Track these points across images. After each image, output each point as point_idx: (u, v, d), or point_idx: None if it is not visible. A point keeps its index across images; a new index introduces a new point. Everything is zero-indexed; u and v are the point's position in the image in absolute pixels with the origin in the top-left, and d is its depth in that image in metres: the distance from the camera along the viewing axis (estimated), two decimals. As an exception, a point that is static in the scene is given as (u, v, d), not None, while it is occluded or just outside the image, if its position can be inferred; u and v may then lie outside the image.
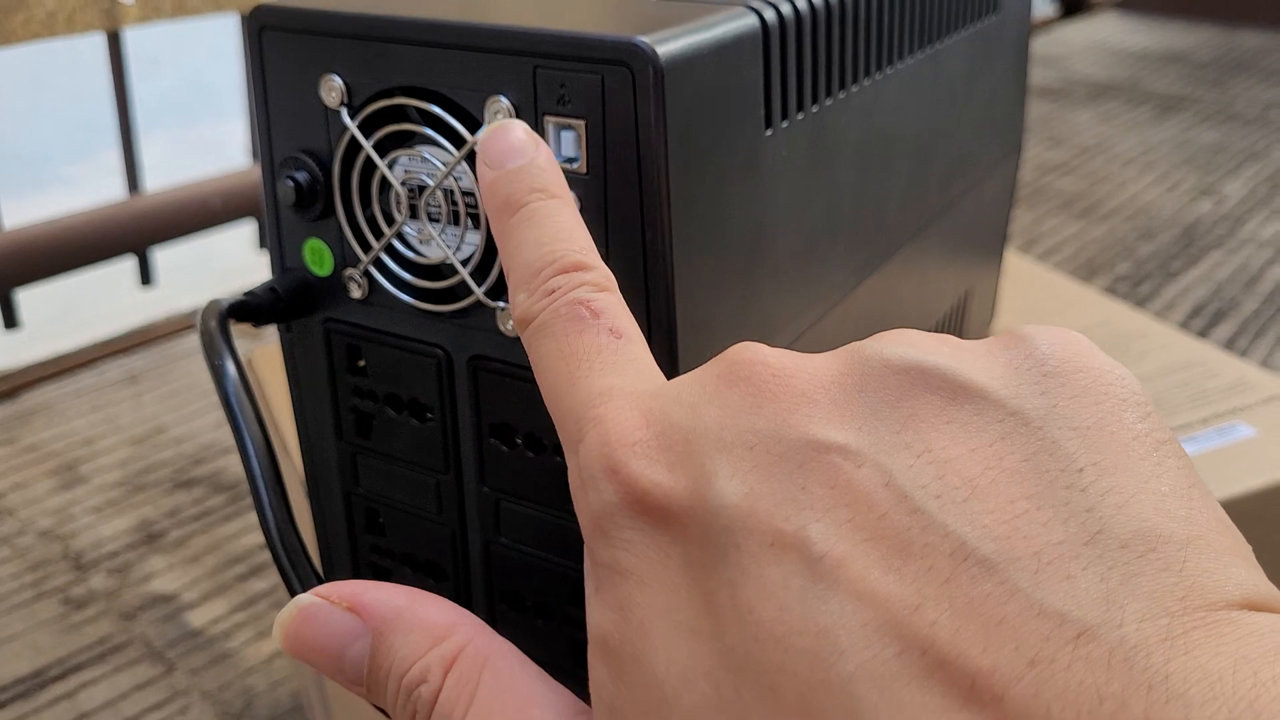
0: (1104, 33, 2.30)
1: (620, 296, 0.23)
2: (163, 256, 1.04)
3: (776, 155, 0.31)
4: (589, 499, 0.19)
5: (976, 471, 0.16)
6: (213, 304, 0.31)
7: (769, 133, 0.31)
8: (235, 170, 1.02)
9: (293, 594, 0.28)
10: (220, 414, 0.89)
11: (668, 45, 0.26)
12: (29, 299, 0.96)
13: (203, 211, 0.95)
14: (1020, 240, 1.27)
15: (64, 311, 1.02)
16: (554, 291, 0.22)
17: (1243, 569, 0.15)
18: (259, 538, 0.74)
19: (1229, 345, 1.04)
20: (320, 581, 0.28)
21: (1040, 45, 2.18)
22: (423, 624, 0.21)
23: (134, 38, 0.96)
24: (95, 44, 0.94)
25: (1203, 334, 1.06)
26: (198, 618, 0.67)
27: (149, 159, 1.03)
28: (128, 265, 1.00)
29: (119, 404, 0.89)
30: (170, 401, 0.90)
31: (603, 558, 0.18)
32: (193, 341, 0.99)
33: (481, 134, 0.26)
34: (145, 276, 1.00)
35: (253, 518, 0.77)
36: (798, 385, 0.18)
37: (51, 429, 0.86)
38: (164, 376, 0.93)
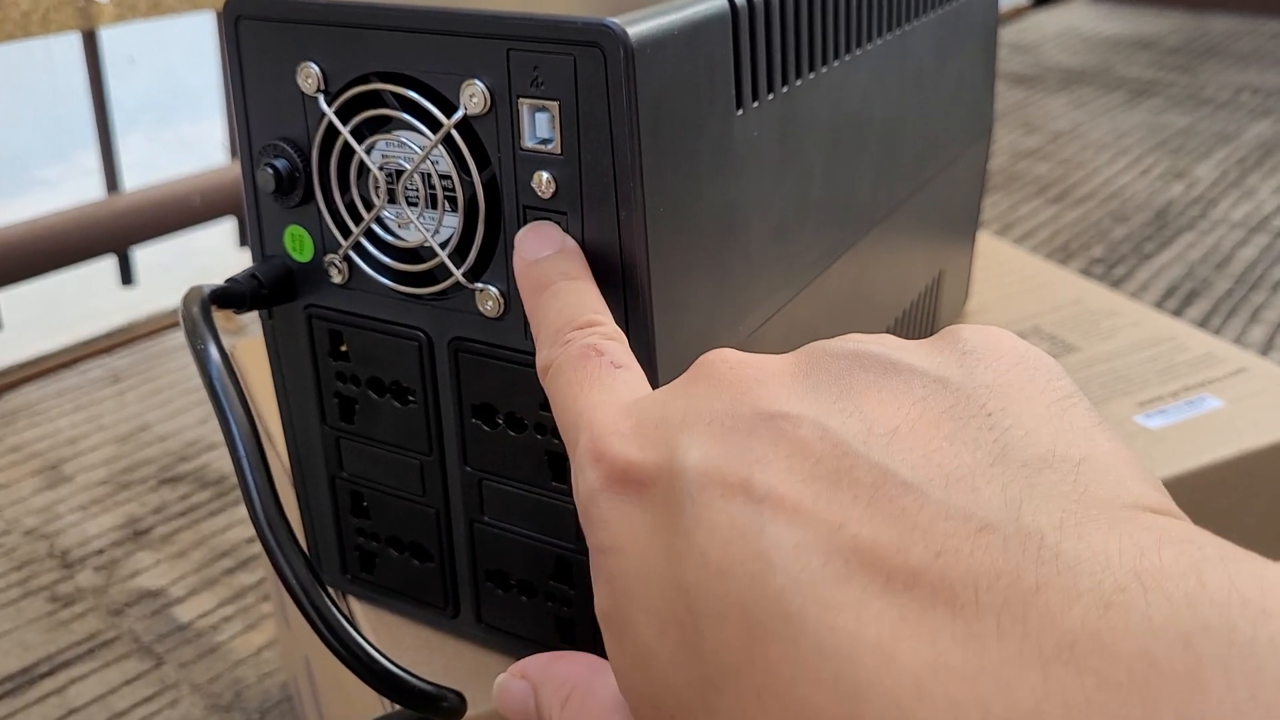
0: (1076, 20, 2.31)
1: (626, 344, 0.25)
2: (143, 255, 1.04)
3: (747, 136, 0.32)
4: (579, 488, 0.21)
5: (900, 420, 0.18)
6: (194, 290, 0.32)
7: (740, 113, 0.32)
8: (214, 168, 1.02)
9: (280, 574, 0.28)
10: (203, 410, 0.89)
11: (638, 26, 0.27)
12: (9, 300, 0.96)
13: (182, 209, 0.95)
14: (996, 225, 1.28)
15: (45, 312, 1.01)
16: (569, 341, 0.25)
17: (1140, 485, 0.17)
18: (245, 532, 0.74)
19: (1202, 325, 1.05)
20: (307, 564, 0.28)
21: (1013, 33, 2.19)
22: (553, 678, 0.24)
23: (110, 37, 0.96)
24: (71, 43, 0.94)
25: (1176, 314, 1.08)
26: (186, 612, 0.68)
27: (127, 159, 1.03)
28: (108, 264, 1.00)
29: (102, 403, 0.89)
30: (153, 399, 0.90)
31: (593, 540, 0.21)
32: (175, 340, 0.99)
33: (520, 233, 0.29)
34: (126, 276, 1.00)
35: (239, 512, 0.77)
36: (751, 374, 0.20)
37: (35, 429, 0.86)
38: (146, 375, 0.93)
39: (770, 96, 0.33)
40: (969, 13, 0.49)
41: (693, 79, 0.29)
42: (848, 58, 0.37)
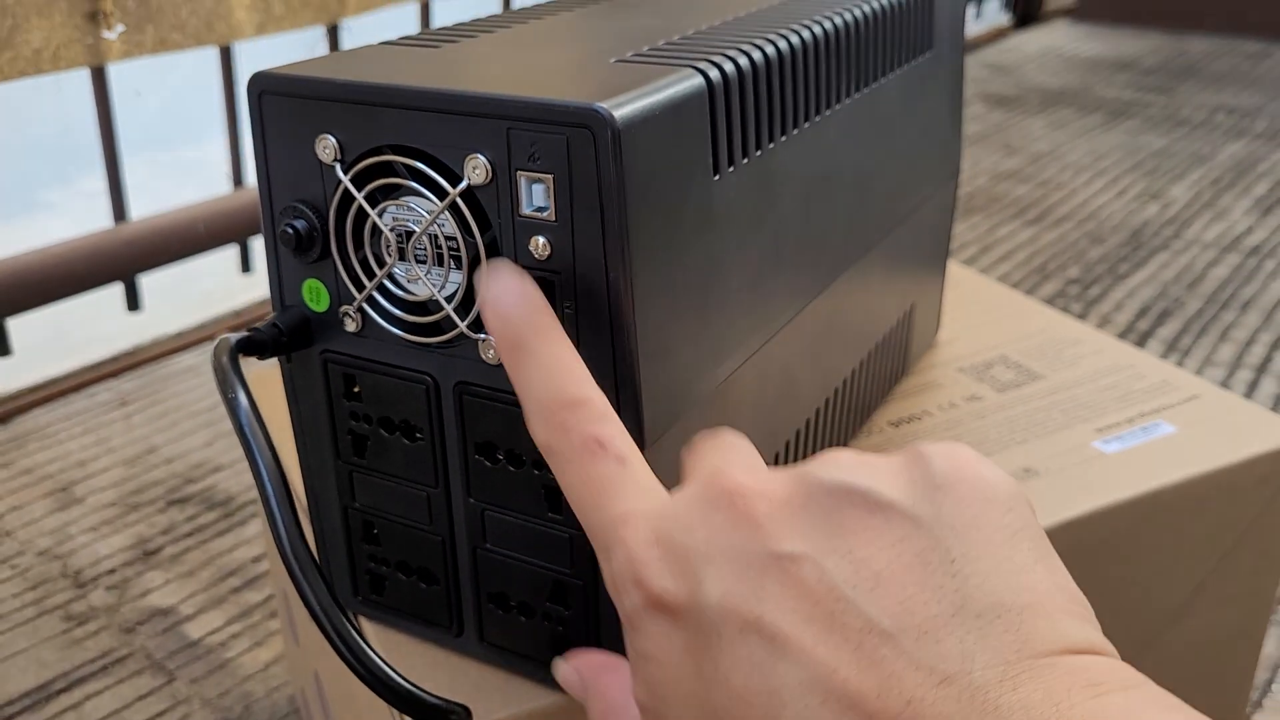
0: (1056, 40, 2.36)
1: (616, 417, 0.29)
2: (148, 280, 1.07)
3: (725, 198, 0.35)
4: (623, 601, 0.26)
5: (882, 566, 0.23)
6: (223, 341, 0.35)
7: (717, 178, 0.35)
8: (218, 196, 1.05)
9: (304, 599, 0.31)
10: (209, 433, 0.92)
11: (624, 109, 0.30)
12: (18, 326, 0.99)
13: (188, 237, 0.99)
14: (976, 247, 1.31)
15: (53, 337, 1.04)
16: (567, 429, 0.28)
17: (1070, 623, 0.22)
18: (250, 551, 0.77)
19: (1173, 344, 1.09)
20: (329, 590, 0.32)
21: (995, 54, 2.24)
22: (599, 691, 0.31)
23: (116, 70, 0.99)
24: (79, 75, 0.97)
25: (1148, 333, 1.11)
26: (196, 629, 0.70)
27: (130, 181, 1.06)
28: (115, 290, 1.03)
29: (110, 426, 0.92)
30: (160, 422, 0.93)
31: (635, 646, 0.26)
32: (180, 363, 1.02)
33: (480, 278, 0.31)
34: (133, 302, 1.03)
35: (245, 533, 0.80)
36: (763, 509, 0.24)
37: (45, 452, 0.89)
38: (153, 398, 0.96)
39: (745, 160, 0.36)
40: (936, 64, 0.52)
41: (673, 151, 0.33)
42: (817, 118, 0.41)
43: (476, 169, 0.32)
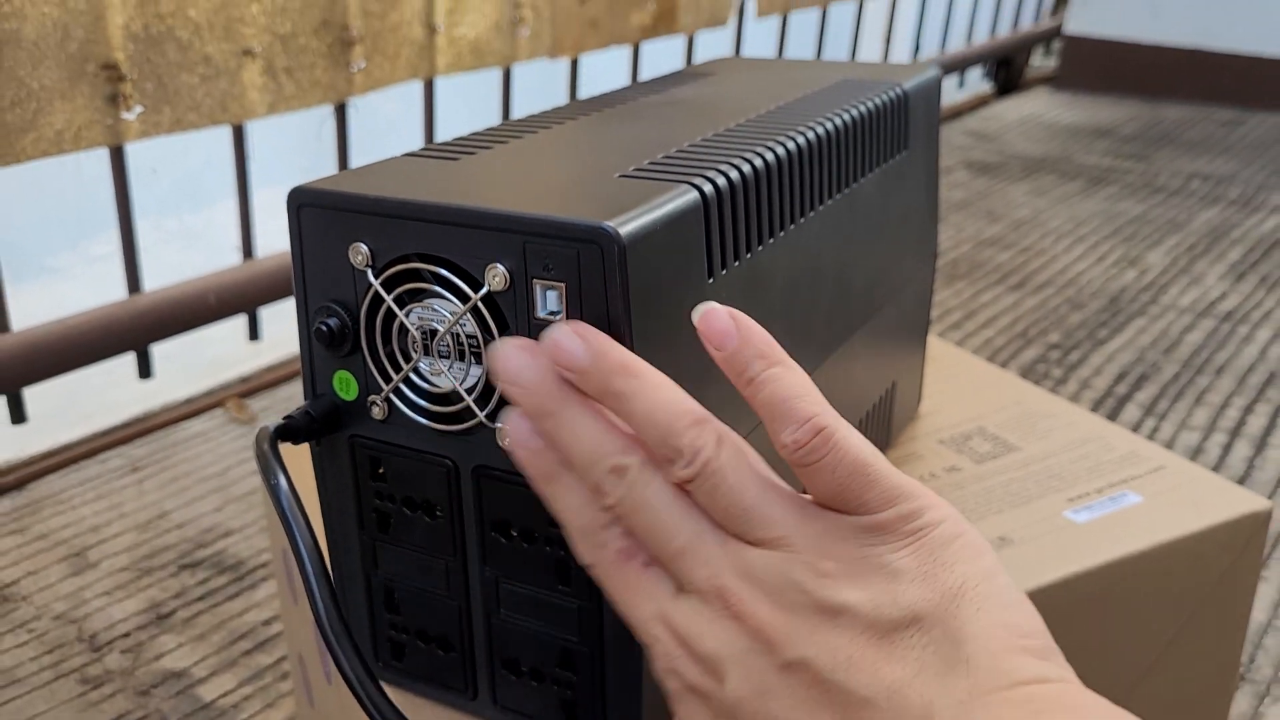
0: (1037, 108, 2.43)
1: (637, 508, 0.33)
2: (157, 347, 1.10)
3: (718, 298, 0.39)
4: (667, 683, 0.32)
5: (854, 650, 0.29)
6: (263, 430, 0.38)
7: (711, 281, 0.39)
8: (228, 268, 1.09)
9: (341, 671, 0.35)
10: (218, 498, 0.95)
11: (628, 226, 0.34)
12: (31, 392, 1.02)
13: (199, 308, 1.02)
14: (960, 313, 1.35)
15: (65, 404, 1.07)
16: (602, 546, 0.34)
17: (1018, 660, 0.27)
18: (260, 615, 0.80)
19: (1151, 408, 1.13)
20: (363, 661, 0.35)
21: (977, 121, 2.30)
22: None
23: (133, 148, 1.03)
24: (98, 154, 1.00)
25: (1127, 397, 1.15)
26: (208, 691, 0.73)
27: (143, 243, 1.10)
28: (127, 358, 1.06)
29: (122, 492, 0.95)
30: (170, 488, 0.96)
31: (679, 713, 0.32)
32: (190, 429, 1.05)
33: (492, 351, 0.35)
34: (144, 370, 1.06)
35: (255, 596, 0.82)
36: (765, 623, 0.30)
37: (59, 517, 0.92)
38: (163, 464, 0.99)
39: (736, 264, 0.40)
40: (912, 160, 0.56)
41: (672, 260, 0.36)
42: (802, 220, 0.45)
43: (496, 277, 0.35)
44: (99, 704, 0.72)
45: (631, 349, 0.34)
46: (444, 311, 0.37)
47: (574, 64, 1.46)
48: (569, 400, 0.33)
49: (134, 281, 1.03)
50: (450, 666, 0.42)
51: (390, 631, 0.43)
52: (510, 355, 0.34)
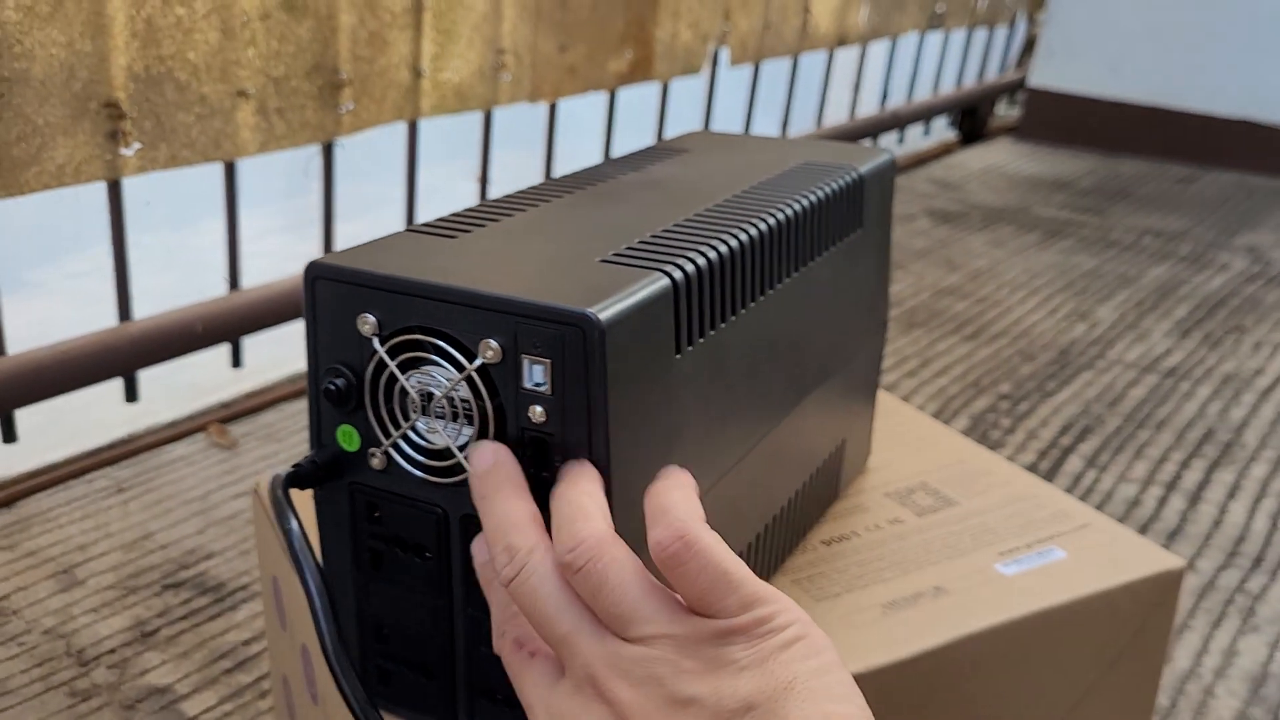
0: (1000, 158, 2.51)
1: (526, 592, 0.38)
2: (143, 371, 1.13)
3: (683, 372, 0.44)
4: None
5: None
6: (275, 477, 0.43)
7: (678, 356, 0.44)
8: (216, 298, 1.13)
9: (346, 699, 0.39)
10: (201, 521, 0.99)
11: (607, 312, 0.39)
12: (19, 412, 1.05)
13: (187, 335, 1.06)
14: (916, 361, 1.41)
15: (52, 423, 1.11)
16: (502, 635, 0.41)
17: None
18: (242, 635, 0.84)
19: (1093, 459, 1.19)
20: (364, 687, 0.40)
21: (941, 170, 2.37)
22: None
23: (129, 182, 1.07)
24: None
25: (1070, 449, 1.21)
26: (191, 707, 0.77)
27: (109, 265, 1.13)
28: (113, 381, 1.10)
29: (108, 512, 0.99)
30: (155, 509, 0.99)
31: None
32: (173, 453, 1.09)
33: (471, 458, 0.41)
34: (131, 394, 1.10)
35: (235, 617, 0.86)
36: (621, 707, 0.35)
37: (47, 535, 0.95)
38: (147, 485, 1.03)
39: (701, 340, 0.45)
40: (865, 238, 0.61)
41: (644, 339, 0.41)
42: (762, 298, 0.50)
43: (489, 350, 0.40)
44: (87, 716, 0.75)
45: (606, 418, 0.39)
46: (441, 378, 0.42)
47: (552, 108, 1.51)
48: (498, 492, 0.40)
49: (125, 308, 1.07)
50: (433, 693, 0.47)
51: (379, 660, 0.48)
52: (476, 450, 0.41)
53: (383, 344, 0.42)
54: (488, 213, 0.50)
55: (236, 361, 1.20)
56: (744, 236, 0.48)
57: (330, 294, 0.43)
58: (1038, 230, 1.97)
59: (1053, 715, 0.61)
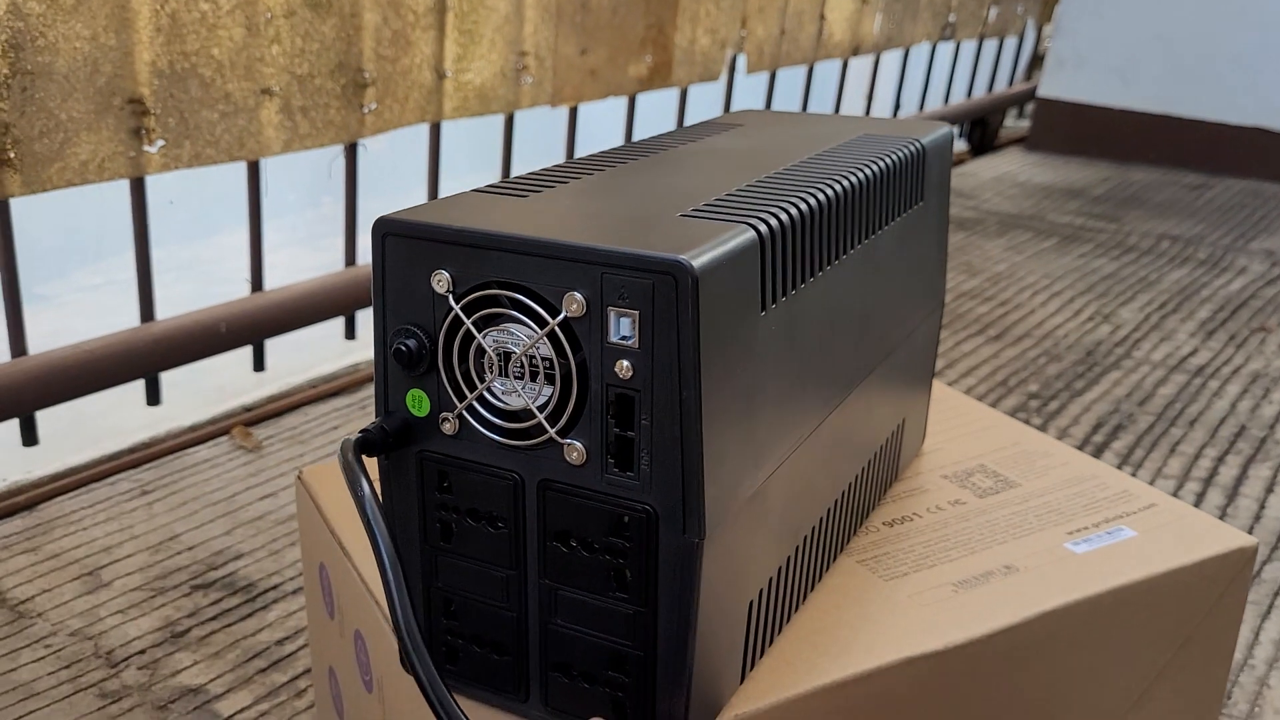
0: (1011, 168, 2.50)
1: None
2: (164, 374, 1.12)
3: (767, 330, 0.43)
4: None
5: None
6: (346, 442, 0.41)
7: (762, 314, 0.42)
8: (239, 298, 1.12)
9: (416, 674, 0.37)
10: (227, 522, 0.97)
11: (700, 259, 0.37)
12: (39, 415, 1.04)
13: (211, 337, 1.05)
14: (942, 362, 1.40)
15: (74, 427, 1.09)
16: None
17: None
18: (275, 634, 0.82)
19: (1127, 457, 1.17)
20: (434, 662, 0.38)
21: (955, 179, 2.37)
22: None
23: (153, 181, 1.06)
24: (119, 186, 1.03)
25: (1103, 446, 1.19)
26: (226, 707, 0.75)
27: (123, 275, 1.11)
28: (135, 383, 1.08)
29: (132, 514, 0.97)
30: (179, 511, 0.98)
31: None
32: (196, 455, 1.07)
33: None
34: (153, 397, 1.08)
35: (267, 617, 0.84)
36: None
37: (71, 538, 0.93)
38: (171, 488, 1.01)
39: (783, 298, 0.44)
40: (926, 212, 0.60)
41: (733, 292, 0.40)
42: (836, 263, 0.48)
43: (573, 303, 0.38)
44: (119, 717, 0.73)
45: (697, 371, 0.38)
46: (520, 335, 0.40)
47: (573, 112, 1.50)
48: None
49: (147, 309, 1.05)
50: (503, 670, 0.45)
51: (446, 637, 0.46)
52: None
53: (457, 301, 0.41)
54: (554, 176, 0.49)
55: (259, 364, 1.18)
56: (821, 196, 0.46)
57: (401, 251, 0.41)
58: (1054, 236, 1.96)
59: (1125, 696, 0.59)
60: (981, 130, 2.69)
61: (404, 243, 0.41)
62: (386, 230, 0.42)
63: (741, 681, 0.47)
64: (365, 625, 0.55)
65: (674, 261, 0.37)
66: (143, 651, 0.80)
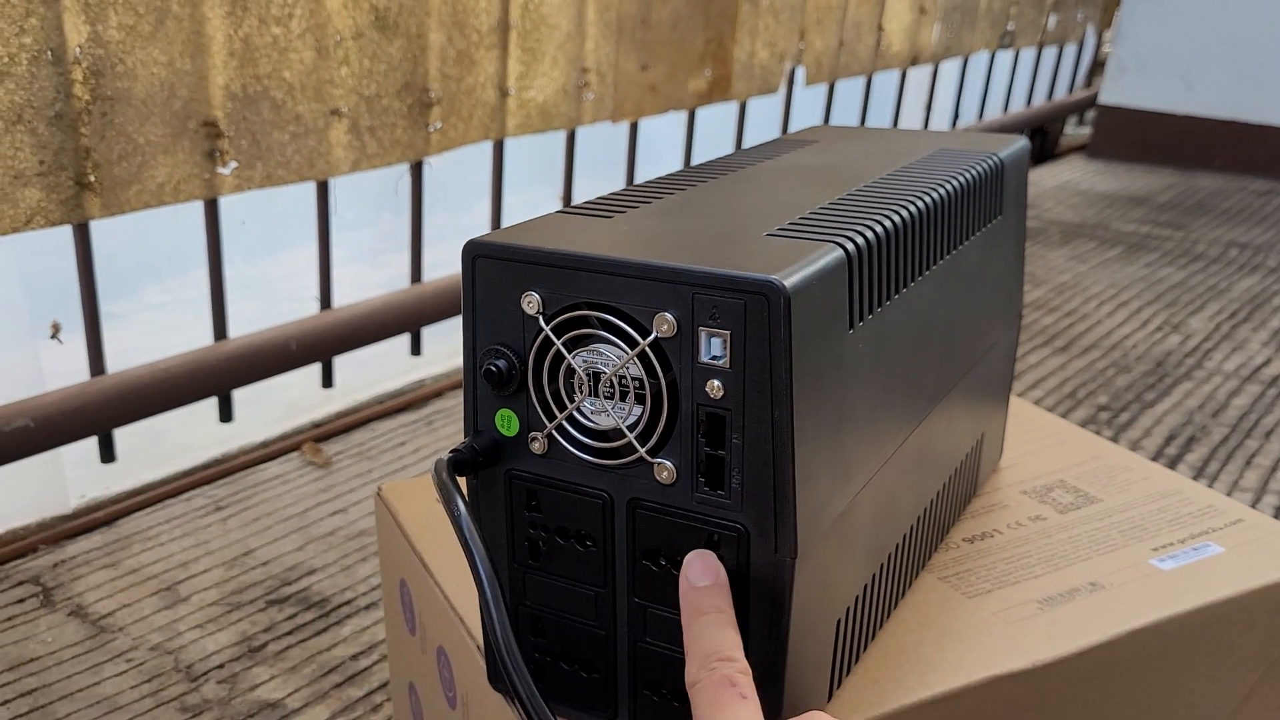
0: (1073, 176, 2.47)
1: (750, 677, 0.37)
2: (236, 391, 1.13)
3: (854, 348, 0.42)
4: None
5: None
6: (440, 461, 0.42)
7: (850, 332, 0.42)
8: (308, 316, 1.13)
9: (515, 692, 0.38)
10: (299, 538, 0.98)
11: (792, 279, 0.37)
12: (119, 433, 1.06)
13: (281, 354, 1.06)
14: (1008, 374, 1.38)
15: (148, 444, 1.11)
16: (713, 669, 0.37)
17: None
18: (350, 649, 0.83)
19: (1201, 469, 1.15)
20: (531, 678, 0.38)
21: (1016, 188, 2.34)
22: None
23: (226, 201, 1.08)
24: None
25: (1177, 458, 1.17)
26: (305, 722, 0.76)
27: (188, 294, 1.13)
28: (207, 401, 1.10)
29: (207, 530, 0.98)
30: (253, 527, 0.99)
31: None
32: (268, 471, 1.08)
33: (689, 556, 0.40)
34: (226, 414, 1.10)
35: (342, 632, 0.85)
36: None
37: (148, 553, 0.95)
38: (244, 504, 1.03)
39: (870, 316, 0.43)
40: (1004, 226, 0.60)
41: (822, 311, 0.40)
42: (920, 279, 0.48)
43: (664, 324, 0.39)
44: (201, 732, 0.74)
45: (789, 390, 0.38)
46: (610, 355, 0.40)
47: (633, 128, 1.51)
48: (715, 614, 0.39)
49: (221, 328, 1.07)
50: (591, 688, 0.45)
51: (534, 654, 0.46)
52: (693, 561, 0.40)
53: (548, 322, 0.41)
54: (637, 195, 0.49)
55: (327, 381, 1.20)
56: (905, 213, 0.46)
57: (491, 272, 0.42)
58: (1119, 245, 1.94)
59: (1214, 716, 0.58)
60: (1042, 138, 2.66)
61: (494, 264, 0.42)
62: (477, 252, 0.42)
63: (829, 700, 0.47)
64: (449, 642, 0.55)
65: (766, 282, 0.37)
66: (221, 666, 0.81)
